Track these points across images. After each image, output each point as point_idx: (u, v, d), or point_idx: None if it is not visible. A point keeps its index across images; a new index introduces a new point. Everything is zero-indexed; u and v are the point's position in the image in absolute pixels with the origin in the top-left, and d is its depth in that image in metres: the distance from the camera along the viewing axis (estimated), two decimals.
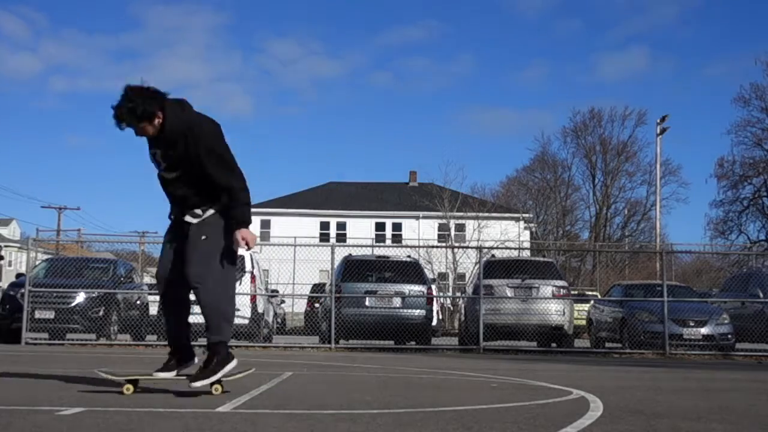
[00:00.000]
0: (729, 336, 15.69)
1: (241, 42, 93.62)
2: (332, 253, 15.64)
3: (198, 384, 5.23)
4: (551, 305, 15.69)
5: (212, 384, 5.30)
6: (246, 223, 5.37)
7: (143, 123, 5.23)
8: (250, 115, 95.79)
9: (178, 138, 5.27)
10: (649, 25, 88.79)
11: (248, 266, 15.81)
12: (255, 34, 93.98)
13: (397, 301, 15.55)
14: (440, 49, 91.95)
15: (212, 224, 5.39)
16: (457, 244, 42.24)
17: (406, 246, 25.09)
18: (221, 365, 5.32)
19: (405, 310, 15.49)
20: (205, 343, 5.45)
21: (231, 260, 5.45)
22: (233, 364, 5.40)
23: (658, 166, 37.15)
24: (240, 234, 5.32)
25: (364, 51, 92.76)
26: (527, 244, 46.12)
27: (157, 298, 17.66)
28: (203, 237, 5.35)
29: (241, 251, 5.65)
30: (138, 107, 5.17)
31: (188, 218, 5.41)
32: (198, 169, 5.30)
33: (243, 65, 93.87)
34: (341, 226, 49.47)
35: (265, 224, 48.91)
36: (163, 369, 5.52)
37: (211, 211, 5.41)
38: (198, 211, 5.41)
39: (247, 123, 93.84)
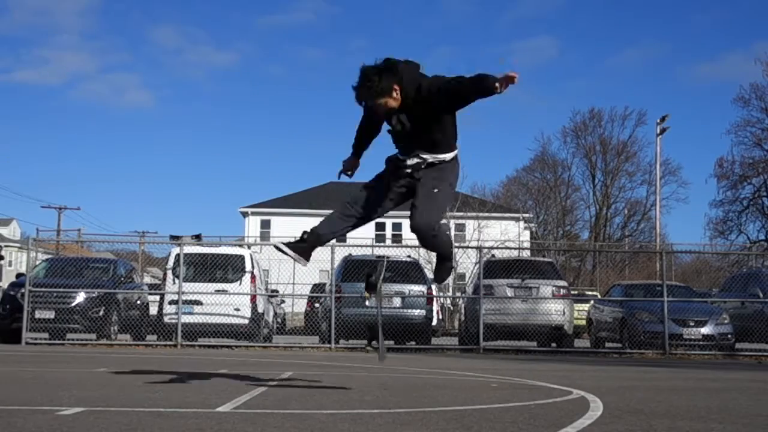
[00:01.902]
0: (729, 336, 15.70)
1: (118, 28, 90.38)
2: (332, 253, 15.65)
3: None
4: (551, 305, 15.69)
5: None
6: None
7: (384, 98, 5.38)
8: (152, 108, 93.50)
9: (416, 104, 5.42)
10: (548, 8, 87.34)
11: (248, 266, 15.82)
12: (128, 18, 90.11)
13: (397, 301, 15.56)
14: (331, 35, 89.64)
15: (444, 172, 5.62)
16: (457, 244, 42.20)
17: (406, 246, 25.08)
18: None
19: (405, 310, 15.51)
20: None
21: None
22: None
23: (658, 166, 37.18)
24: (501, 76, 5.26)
25: (250, 39, 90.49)
26: (527, 244, 46.09)
27: (157, 298, 17.69)
28: (436, 190, 5.56)
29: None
30: (375, 85, 5.32)
31: (423, 155, 5.59)
32: (440, 114, 5.47)
33: (131, 55, 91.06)
34: None
35: (265, 224, 48.92)
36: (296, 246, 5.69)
37: (447, 156, 5.62)
38: (431, 156, 5.60)
39: (151, 117, 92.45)
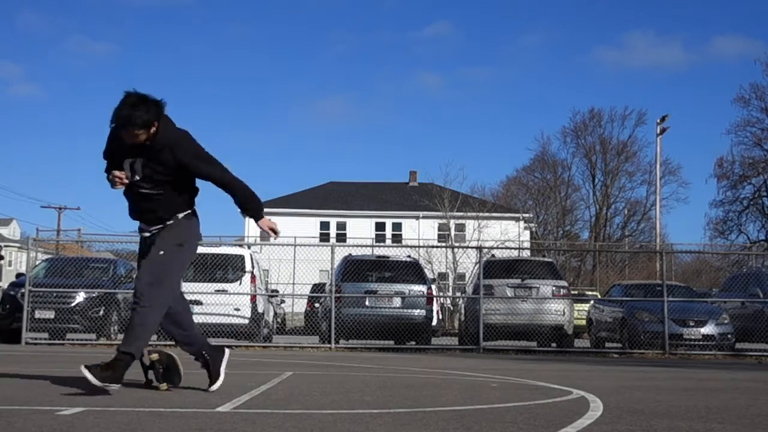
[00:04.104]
0: (729, 336, 15.69)
1: None
2: (332, 253, 15.64)
3: (93, 379, 5.00)
4: (551, 305, 15.68)
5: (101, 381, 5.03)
6: (261, 211, 5.57)
7: (140, 130, 5.21)
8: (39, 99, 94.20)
9: (163, 150, 5.29)
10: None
11: (248, 266, 15.81)
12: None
13: (397, 301, 15.55)
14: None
15: (172, 232, 5.45)
16: (457, 244, 42.21)
17: (406, 246, 25.06)
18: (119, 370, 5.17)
19: (405, 310, 15.50)
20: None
21: (179, 272, 5.58)
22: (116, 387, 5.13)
23: (658, 166, 37.17)
24: (264, 224, 5.55)
25: (251, 41, 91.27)
26: (527, 244, 46.09)
27: None
28: (161, 252, 5.39)
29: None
30: (139, 115, 5.15)
31: (153, 230, 5.53)
32: (183, 178, 5.41)
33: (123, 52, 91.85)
34: (341, 226, 49.46)
35: None
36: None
37: (177, 218, 5.50)
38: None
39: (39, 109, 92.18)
